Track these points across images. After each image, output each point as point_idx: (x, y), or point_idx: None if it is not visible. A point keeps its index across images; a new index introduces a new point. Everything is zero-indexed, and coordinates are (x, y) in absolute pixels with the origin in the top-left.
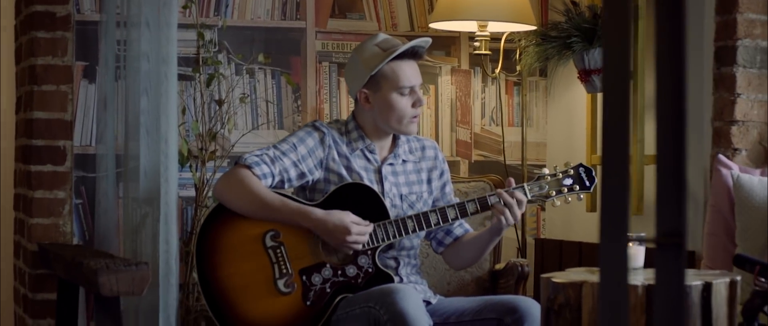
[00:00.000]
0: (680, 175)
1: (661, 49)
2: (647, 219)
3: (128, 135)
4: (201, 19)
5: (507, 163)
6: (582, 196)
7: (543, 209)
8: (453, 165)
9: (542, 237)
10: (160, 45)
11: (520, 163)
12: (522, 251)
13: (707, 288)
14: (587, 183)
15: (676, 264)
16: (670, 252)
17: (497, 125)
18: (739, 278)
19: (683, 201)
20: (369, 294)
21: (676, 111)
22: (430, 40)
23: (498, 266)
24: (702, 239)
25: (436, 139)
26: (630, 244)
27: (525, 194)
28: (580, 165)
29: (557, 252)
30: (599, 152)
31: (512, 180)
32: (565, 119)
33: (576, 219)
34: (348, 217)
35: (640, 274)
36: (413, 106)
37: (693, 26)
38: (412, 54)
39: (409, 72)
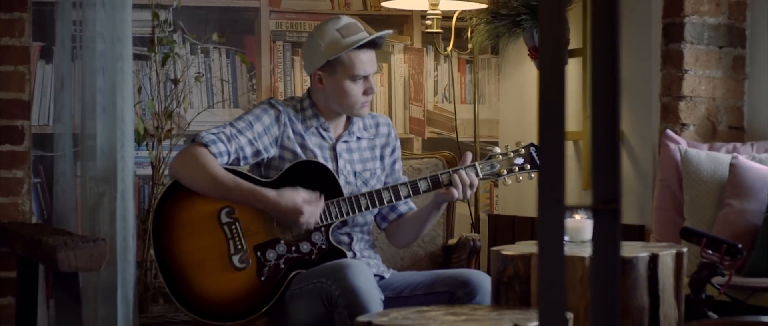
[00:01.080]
0: (614, 146)
1: (596, 27)
2: None
3: (85, 114)
4: None
5: (460, 139)
6: (533, 175)
7: (496, 185)
8: (406, 143)
9: (495, 213)
10: (115, 25)
11: (472, 139)
12: (475, 227)
13: (654, 259)
14: (538, 162)
15: (612, 228)
16: (607, 218)
17: (450, 103)
18: (685, 250)
19: (617, 170)
20: (321, 269)
21: (610, 86)
22: (390, 31)
23: (451, 241)
24: (651, 213)
25: (390, 116)
26: (578, 217)
27: (476, 173)
28: (531, 144)
29: (510, 228)
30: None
31: (469, 154)
32: (517, 96)
33: (528, 196)
34: (299, 196)
35: (589, 247)
36: (364, 93)
37: (642, 3)
38: (371, 44)
39: (366, 60)
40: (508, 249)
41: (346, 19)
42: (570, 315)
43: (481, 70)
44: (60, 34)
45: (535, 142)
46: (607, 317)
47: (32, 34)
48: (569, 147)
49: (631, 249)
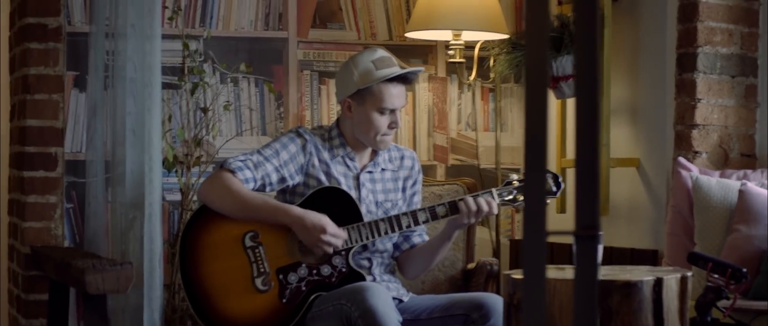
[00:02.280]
0: (594, 176)
1: (579, 59)
2: (612, 220)
3: (116, 141)
4: (187, 29)
5: (482, 166)
6: (549, 201)
7: (517, 211)
8: (430, 169)
9: (517, 238)
10: (145, 53)
11: (494, 166)
12: (496, 251)
13: (659, 283)
14: (554, 189)
15: (591, 252)
16: (587, 243)
17: (473, 130)
18: (689, 274)
19: (596, 198)
20: (341, 292)
21: (591, 119)
22: (423, 69)
23: (470, 265)
24: (664, 238)
25: (414, 144)
26: None
27: (493, 198)
28: (547, 171)
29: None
30: (568, 156)
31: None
32: None
33: (555, 221)
34: (325, 218)
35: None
36: (389, 126)
37: (656, 34)
38: (403, 78)
39: (395, 94)
40: (519, 273)
41: (381, 52)
42: None
43: (504, 98)
44: (93, 63)
45: (554, 170)
46: None
47: (66, 63)
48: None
49: (637, 273)
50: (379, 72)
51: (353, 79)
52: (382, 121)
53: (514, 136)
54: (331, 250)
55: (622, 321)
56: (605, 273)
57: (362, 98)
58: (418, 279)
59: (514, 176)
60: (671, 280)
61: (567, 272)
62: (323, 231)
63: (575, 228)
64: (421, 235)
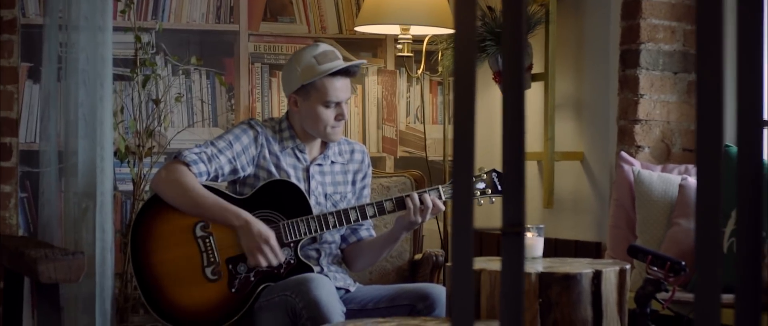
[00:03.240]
0: (520, 177)
1: (506, 61)
2: (557, 213)
3: (69, 132)
4: (139, 22)
5: (430, 158)
6: (494, 199)
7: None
8: (379, 161)
9: None
10: (97, 46)
11: (442, 158)
12: (444, 243)
13: (597, 275)
14: (499, 188)
15: (517, 247)
16: (513, 239)
17: (421, 123)
18: (628, 266)
19: (522, 196)
20: (286, 283)
21: (516, 122)
22: (365, 61)
23: (417, 256)
24: (607, 231)
25: (363, 136)
26: (529, 235)
27: (439, 196)
28: (493, 170)
29: (478, 244)
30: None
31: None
32: (486, 117)
33: (496, 213)
34: (270, 233)
35: (538, 263)
36: (336, 118)
37: (600, 30)
38: (345, 72)
39: (339, 87)
40: None
41: (323, 47)
42: None
43: (451, 92)
44: (47, 55)
45: (497, 168)
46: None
47: (21, 55)
48: (532, 166)
49: (577, 266)
50: (321, 66)
51: (296, 75)
52: (329, 114)
53: None
54: (264, 264)
55: (561, 313)
56: (546, 265)
57: (307, 93)
58: (366, 270)
59: None
60: (610, 273)
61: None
62: (266, 241)
63: (502, 224)
64: (368, 229)
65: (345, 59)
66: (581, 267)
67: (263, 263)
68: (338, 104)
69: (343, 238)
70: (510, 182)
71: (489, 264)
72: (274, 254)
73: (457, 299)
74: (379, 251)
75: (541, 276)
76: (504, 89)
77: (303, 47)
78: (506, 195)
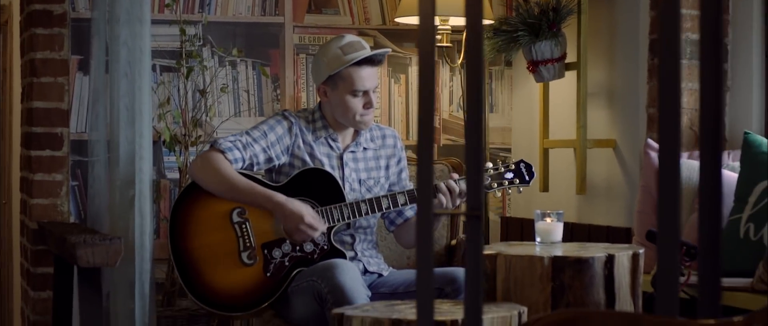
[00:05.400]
0: (479, 167)
1: (469, 54)
2: (590, 199)
3: (113, 122)
4: (186, 15)
5: None
6: (521, 189)
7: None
8: None
9: (508, 215)
10: (136, 38)
11: (484, 146)
12: (486, 229)
13: (610, 259)
14: (526, 178)
15: (477, 229)
16: (473, 222)
17: (463, 111)
18: (641, 251)
19: (480, 185)
20: (314, 268)
21: (476, 115)
22: (389, 50)
23: (453, 241)
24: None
25: (407, 125)
26: (549, 220)
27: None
28: (521, 161)
29: (519, 230)
30: (550, 136)
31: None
32: (528, 105)
33: (537, 199)
34: (305, 208)
35: (557, 248)
36: (364, 106)
37: (630, 20)
38: (370, 60)
39: (365, 76)
40: (487, 249)
41: (349, 38)
42: (524, 309)
43: (495, 81)
44: (95, 48)
45: (534, 155)
46: (473, 300)
47: (71, 48)
48: (567, 154)
49: (591, 250)
50: (346, 56)
51: (323, 66)
52: (357, 103)
53: (505, 116)
54: (308, 238)
55: (574, 296)
56: (563, 249)
57: (335, 83)
58: (405, 252)
59: (489, 164)
60: (623, 257)
61: (520, 248)
62: (301, 219)
63: (466, 209)
64: (413, 208)
65: (380, 49)
66: (595, 251)
67: (306, 238)
68: (365, 93)
69: (391, 221)
70: (470, 172)
71: (506, 248)
72: (314, 228)
73: (421, 279)
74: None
75: (554, 260)
76: (467, 86)
77: (328, 41)
78: (468, 184)
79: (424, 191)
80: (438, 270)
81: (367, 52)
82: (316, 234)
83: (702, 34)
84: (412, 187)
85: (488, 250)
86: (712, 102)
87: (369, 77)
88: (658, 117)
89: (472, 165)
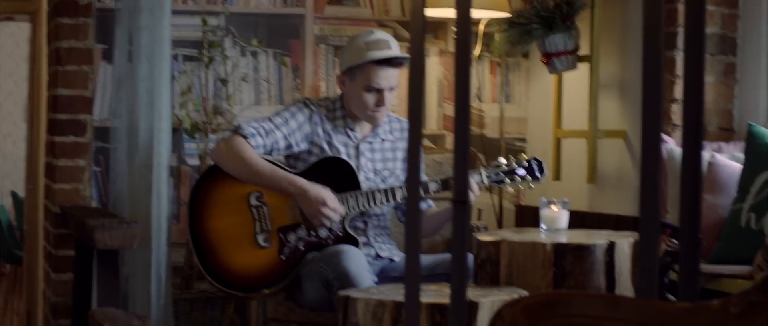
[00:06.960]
0: (465, 155)
1: (458, 52)
2: (600, 188)
3: (134, 109)
4: (208, 6)
5: (489, 136)
6: (532, 185)
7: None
8: (439, 138)
9: (522, 203)
10: (156, 26)
11: (499, 136)
12: (499, 216)
13: (611, 246)
14: (537, 174)
15: (462, 216)
16: (460, 207)
17: (481, 102)
18: None
19: (466, 172)
20: (322, 254)
21: (463, 107)
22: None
23: None
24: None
25: (425, 114)
26: (555, 208)
27: (482, 179)
28: (533, 158)
29: (533, 217)
30: (563, 127)
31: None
32: (544, 96)
33: (549, 188)
34: (326, 193)
35: (562, 235)
36: (376, 104)
37: (640, 13)
38: (390, 62)
39: (382, 75)
40: (485, 235)
41: (378, 34)
42: (525, 294)
43: (511, 72)
44: (119, 37)
45: (546, 147)
46: (458, 283)
47: (96, 37)
48: (580, 144)
49: (593, 237)
50: (368, 53)
51: (346, 57)
52: (369, 99)
53: (522, 107)
54: (328, 223)
55: (575, 281)
56: (567, 236)
57: (353, 75)
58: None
59: (502, 159)
60: (624, 244)
61: (524, 235)
62: (324, 203)
63: (453, 196)
64: (426, 201)
65: (402, 46)
66: (597, 238)
67: (327, 223)
68: (380, 91)
69: (403, 212)
70: (458, 163)
71: (510, 235)
72: (335, 212)
73: (409, 266)
74: (442, 223)
75: (556, 246)
76: (455, 78)
77: (360, 33)
78: (455, 173)
79: (412, 180)
80: (447, 255)
81: (390, 52)
82: (337, 219)
83: (687, 28)
84: (427, 180)
85: (493, 237)
86: (694, 90)
87: (386, 77)
88: (667, 109)
89: (459, 153)
